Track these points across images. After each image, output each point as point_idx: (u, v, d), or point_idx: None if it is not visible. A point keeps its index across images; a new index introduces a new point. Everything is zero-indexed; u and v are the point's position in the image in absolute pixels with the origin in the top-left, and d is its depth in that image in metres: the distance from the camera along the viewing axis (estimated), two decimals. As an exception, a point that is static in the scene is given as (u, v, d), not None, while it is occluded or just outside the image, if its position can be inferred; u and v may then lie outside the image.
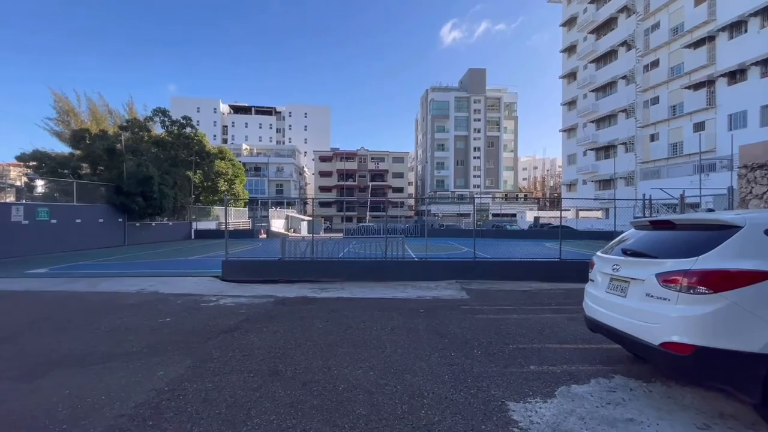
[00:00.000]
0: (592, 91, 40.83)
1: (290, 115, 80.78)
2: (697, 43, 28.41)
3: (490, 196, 61.49)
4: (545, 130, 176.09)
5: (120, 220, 20.69)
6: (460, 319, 5.53)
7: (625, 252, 3.38)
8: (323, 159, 65.50)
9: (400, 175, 66.05)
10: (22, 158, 20.52)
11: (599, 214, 39.63)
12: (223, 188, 33.12)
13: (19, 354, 4.12)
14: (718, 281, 2.54)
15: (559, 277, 8.92)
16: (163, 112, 27.48)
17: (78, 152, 22.16)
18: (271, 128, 79.75)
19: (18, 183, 19.36)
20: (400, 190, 65.70)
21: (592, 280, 3.74)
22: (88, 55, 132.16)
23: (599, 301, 3.46)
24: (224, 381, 3.36)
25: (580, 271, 7.57)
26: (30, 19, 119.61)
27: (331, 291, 7.89)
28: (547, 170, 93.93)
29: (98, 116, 29.70)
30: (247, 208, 37.67)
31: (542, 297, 7.26)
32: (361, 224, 38.10)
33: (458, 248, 18.76)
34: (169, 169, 24.78)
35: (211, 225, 30.40)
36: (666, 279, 2.77)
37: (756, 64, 24.27)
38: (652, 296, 2.86)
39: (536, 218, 42.14)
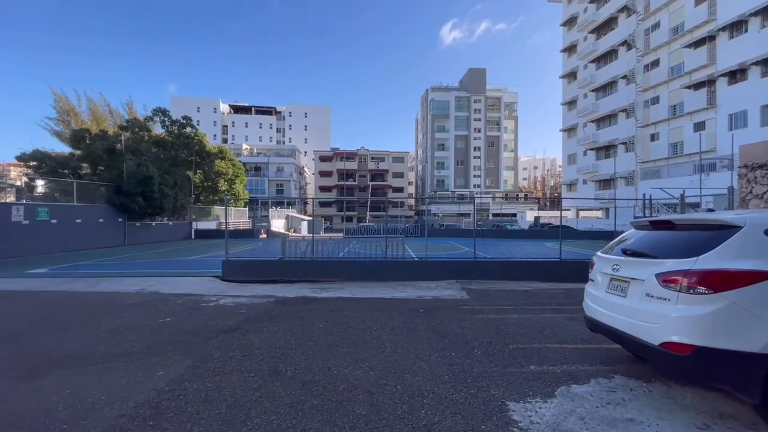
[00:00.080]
0: (593, 90, 40.83)
1: (290, 115, 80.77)
2: (698, 43, 28.40)
3: (491, 195, 61.49)
4: (545, 129, 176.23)
5: (120, 220, 20.69)
6: (461, 319, 5.53)
7: (625, 252, 3.38)
8: (323, 159, 65.51)
9: (400, 175, 66.06)
10: (23, 158, 20.54)
11: (599, 213, 39.63)
12: (224, 188, 33.13)
13: (19, 354, 4.12)
14: (718, 281, 2.54)
15: (559, 276, 8.92)
16: (163, 112, 27.50)
17: (78, 152, 22.17)
18: (271, 128, 79.74)
19: (18, 183, 19.37)
20: (400, 189, 65.71)
21: (592, 280, 3.74)
22: (88, 55, 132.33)
23: (599, 301, 3.46)
24: (224, 381, 3.36)
25: (580, 271, 7.57)
26: (30, 17, 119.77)
27: (331, 291, 7.89)
28: (548, 170, 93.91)
29: (98, 116, 29.72)
30: (247, 208, 37.68)
31: (542, 297, 7.26)
32: (361, 224, 38.09)
33: (458, 248, 18.76)
34: (170, 169, 24.79)
35: (211, 225, 30.41)
36: (666, 279, 2.77)
37: (756, 63, 24.26)
38: (652, 296, 2.85)
39: (536, 218, 42.12)
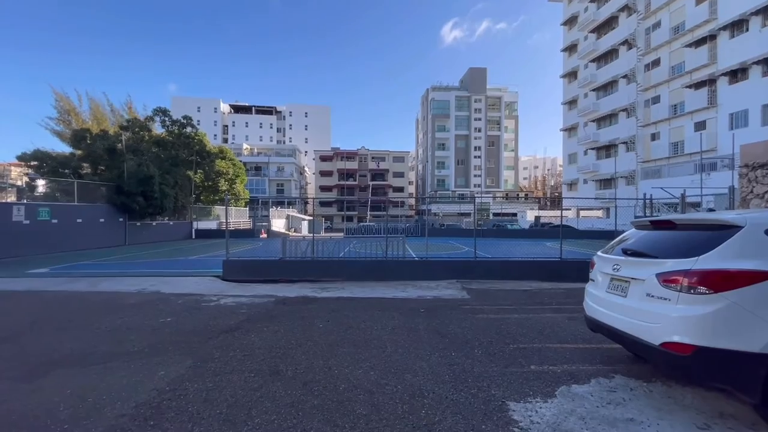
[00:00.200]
0: (593, 90, 40.78)
1: (291, 115, 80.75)
2: (698, 42, 28.35)
3: (491, 195, 61.45)
4: (546, 129, 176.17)
5: (121, 219, 20.72)
6: (461, 319, 5.53)
7: (626, 252, 3.38)
8: (324, 158, 65.51)
9: (400, 175, 66.06)
10: (23, 158, 20.54)
11: (600, 213, 39.58)
12: (224, 188, 33.13)
13: (20, 354, 4.13)
14: (718, 281, 2.53)
15: (559, 276, 8.91)
16: (164, 112, 27.49)
17: (79, 152, 22.18)
18: (271, 128, 79.74)
19: (19, 183, 19.39)
20: (400, 189, 65.71)
21: (593, 280, 3.74)
22: (88, 55, 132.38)
23: (600, 301, 3.45)
24: (225, 381, 3.37)
25: (581, 271, 7.57)
26: (30, 17, 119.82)
27: (332, 291, 7.89)
28: (548, 169, 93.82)
29: (99, 116, 29.70)
30: (247, 208, 37.70)
31: (543, 296, 7.26)
32: (361, 224, 38.12)
33: (459, 248, 18.75)
34: (170, 168, 24.79)
35: (211, 225, 30.43)
36: (666, 279, 2.77)
37: (757, 63, 24.21)
38: (652, 296, 2.85)
39: (537, 218, 42.08)
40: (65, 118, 28.16)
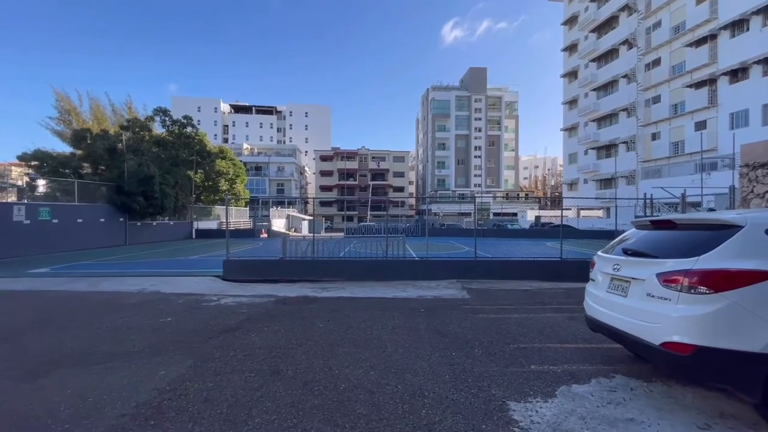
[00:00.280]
0: (593, 89, 40.74)
1: (291, 115, 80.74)
2: (699, 42, 28.33)
3: (491, 195, 61.41)
4: (546, 128, 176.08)
5: (121, 219, 20.74)
6: (461, 319, 5.53)
7: (626, 252, 3.38)
8: (324, 158, 65.50)
9: (400, 175, 66.03)
10: (24, 158, 20.54)
11: (600, 213, 39.54)
12: (224, 188, 33.14)
13: (21, 353, 4.14)
14: (718, 281, 2.53)
15: (560, 276, 8.91)
16: (164, 112, 27.49)
17: (79, 152, 22.19)
18: (271, 128, 79.73)
19: (20, 183, 19.39)
20: (401, 189, 65.68)
21: (593, 280, 3.74)
22: (88, 55, 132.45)
23: (600, 301, 3.45)
24: (225, 380, 3.37)
25: (581, 271, 7.58)
26: (30, 17, 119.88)
27: (332, 290, 7.89)
28: (548, 169, 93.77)
29: (100, 116, 29.69)
30: (248, 208, 37.69)
31: (543, 296, 7.26)
32: (362, 223, 38.13)
33: (459, 247, 18.75)
34: (170, 168, 24.80)
35: (212, 224, 30.44)
36: (667, 279, 2.77)
37: (758, 62, 24.19)
38: (652, 296, 2.85)
39: (537, 217, 42.06)
40: (66, 117, 28.14)
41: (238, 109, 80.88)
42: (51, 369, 3.66)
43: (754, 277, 2.48)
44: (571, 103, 46.45)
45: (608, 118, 38.93)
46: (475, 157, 63.70)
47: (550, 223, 35.67)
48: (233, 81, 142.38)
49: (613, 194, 32.10)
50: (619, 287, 3.22)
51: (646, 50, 33.19)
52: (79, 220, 17.74)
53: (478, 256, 9.80)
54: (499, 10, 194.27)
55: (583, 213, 40.29)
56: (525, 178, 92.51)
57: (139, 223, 21.88)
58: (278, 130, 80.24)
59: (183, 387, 3.23)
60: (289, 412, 2.80)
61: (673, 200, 13.65)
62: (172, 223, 25.57)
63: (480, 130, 63.87)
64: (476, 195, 26.63)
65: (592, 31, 40.62)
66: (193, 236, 27.39)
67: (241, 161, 37.96)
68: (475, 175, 63.58)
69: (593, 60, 40.81)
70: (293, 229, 36.61)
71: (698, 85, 28.39)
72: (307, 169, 73.32)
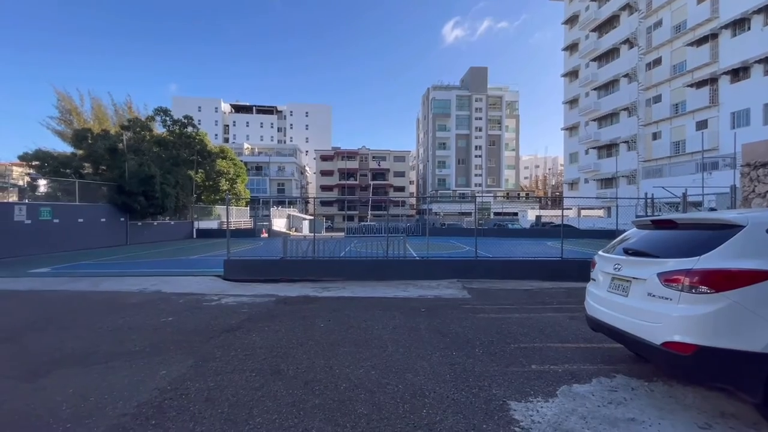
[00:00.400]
0: (594, 89, 40.70)
1: (291, 114, 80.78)
2: (700, 41, 28.28)
3: (492, 194, 61.38)
4: (547, 128, 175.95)
5: (122, 219, 20.76)
6: (462, 318, 5.53)
7: (627, 251, 3.37)
8: (324, 158, 65.51)
9: (401, 174, 66.02)
10: (25, 158, 20.57)
11: (601, 212, 39.51)
12: (225, 187, 33.15)
13: (22, 353, 4.15)
14: (719, 281, 2.53)
15: (560, 276, 8.90)
16: (165, 112, 27.51)
17: (80, 152, 22.21)
18: (272, 127, 79.79)
19: (21, 183, 19.41)
20: (401, 188, 65.67)
21: (594, 280, 3.74)
22: (89, 55, 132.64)
23: (601, 301, 3.45)
24: (226, 380, 3.37)
25: (582, 270, 7.57)
26: (30, 17, 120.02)
27: (333, 290, 7.90)
28: (549, 169, 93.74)
29: (101, 116, 29.72)
30: (248, 208, 37.71)
31: (544, 296, 7.25)
32: (362, 223, 38.11)
33: (460, 247, 18.75)
34: (171, 168, 24.82)
35: (212, 224, 30.47)
36: (668, 278, 2.76)
37: (759, 61, 24.14)
38: (653, 296, 2.85)
39: (538, 217, 42.03)
40: (67, 117, 28.17)
41: (238, 108, 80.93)
42: (52, 369, 3.66)
43: (755, 276, 2.47)
44: (572, 102, 46.39)
45: (609, 118, 38.88)
46: (476, 156, 63.69)
47: (551, 222, 35.64)
48: (233, 81, 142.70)
49: (613, 194, 32.08)
50: (620, 287, 3.22)
51: (647, 49, 33.13)
52: (80, 220, 17.77)
53: (479, 256, 9.80)
54: (499, 10, 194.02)
55: (583, 213, 40.28)
56: (526, 178, 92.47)
57: (139, 223, 21.90)
58: (279, 129, 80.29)
59: (184, 386, 3.24)
60: (290, 411, 2.81)
61: (674, 200, 13.64)
62: (172, 222, 25.59)
63: (480, 130, 63.85)
64: (477, 194, 26.61)
65: (593, 30, 40.57)
66: (194, 236, 27.41)
67: (241, 161, 37.96)
68: (476, 175, 63.58)
69: (594, 59, 40.76)
70: (294, 229, 36.62)
71: (699, 84, 28.34)
72: (307, 168, 73.33)
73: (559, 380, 3.34)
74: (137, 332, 4.90)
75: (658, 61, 32.43)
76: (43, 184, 19.30)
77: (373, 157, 64.98)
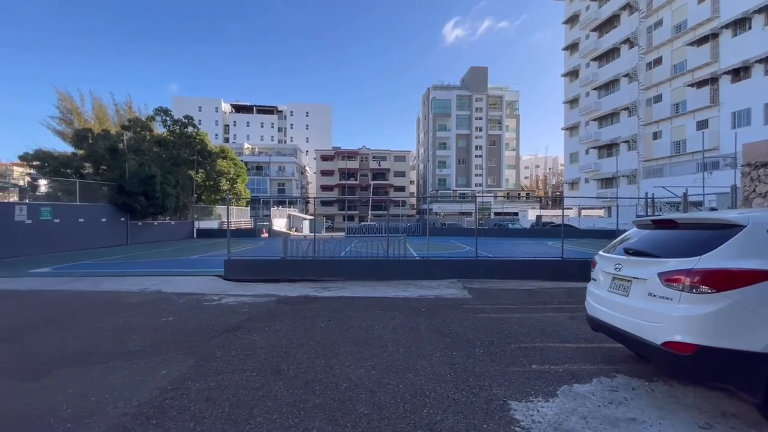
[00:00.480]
0: (595, 89, 40.68)
1: (292, 114, 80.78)
2: (701, 41, 28.25)
3: (492, 194, 61.34)
4: (547, 128, 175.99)
5: (122, 219, 20.77)
6: (462, 318, 5.53)
7: (628, 251, 3.37)
8: (325, 158, 65.51)
9: (401, 174, 66.00)
10: (25, 158, 20.59)
11: (601, 212, 39.48)
12: (225, 187, 33.17)
13: (23, 353, 4.15)
14: (720, 280, 2.53)
15: (561, 275, 8.89)
16: (165, 112, 27.52)
17: (81, 152, 22.23)
18: (272, 127, 79.81)
19: (21, 183, 19.42)
20: (401, 188, 65.66)
21: (595, 279, 3.73)
22: (89, 55, 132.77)
23: (601, 301, 3.45)
24: (227, 380, 3.37)
25: (582, 270, 7.56)
26: (30, 17, 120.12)
27: (333, 290, 7.90)
28: (549, 168, 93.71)
29: (102, 115, 29.74)
30: (249, 207, 37.72)
31: (544, 296, 7.25)
32: (362, 223, 38.15)
33: (460, 247, 18.74)
34: (171, 168, 24.83)
35: (213, 224, 30.48)
36: (668, 278, 2.76)
37: (760, 61, 24.12)
38: (654, 295, 2.85)
39: (538, 217, 42.00)
40: (68, 117, 28.22)
41: (239, 108, 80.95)
42: (53, 368, 3.67)
43: (756, 276, 2.47)
44: (572, 102, 46.37)
45: (609, 118, 38.86)
46: (476, 156, 63.66)
47: (551, 222, 35.62)
48: (234, 81, 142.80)
49: (614, 193, 32.04)
50: (621, 287, 3.22)
51: (648, 49, 33.11)
52: (81, 220, 17.78)
53: (479, 256, 9.80)
54: (500, 10, 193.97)
55: (584, 212, 40.24)
56: (526, 178, 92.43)
57: (140, 223, 21.92)
58: (279, 129, 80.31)
59: (184, 386, 3.24)
60: (290, 411, 2.81)
61: (674, 199, 13.62)
62: (173, 222, 25.60)
63: (481, 130, 63.82)
64: (477, 194, 26.62)
65: (594, 30, 40.55)
66: (195, 236, 27.42)
67: (242, 161, 37.94)
68: (476, 175, 63.56)
69: (594, 59, 40.74)
70: (294, 229, 36.63)
71: (700, 84, 28.32)
72: (308, 168, 73.34)
73: (559, 380, 3.34)
74: (138, 332, 4.90)
75: (658, 61, 32.41)
76: (43, 184, 19.30)
77: (374, 157, 64.97)
